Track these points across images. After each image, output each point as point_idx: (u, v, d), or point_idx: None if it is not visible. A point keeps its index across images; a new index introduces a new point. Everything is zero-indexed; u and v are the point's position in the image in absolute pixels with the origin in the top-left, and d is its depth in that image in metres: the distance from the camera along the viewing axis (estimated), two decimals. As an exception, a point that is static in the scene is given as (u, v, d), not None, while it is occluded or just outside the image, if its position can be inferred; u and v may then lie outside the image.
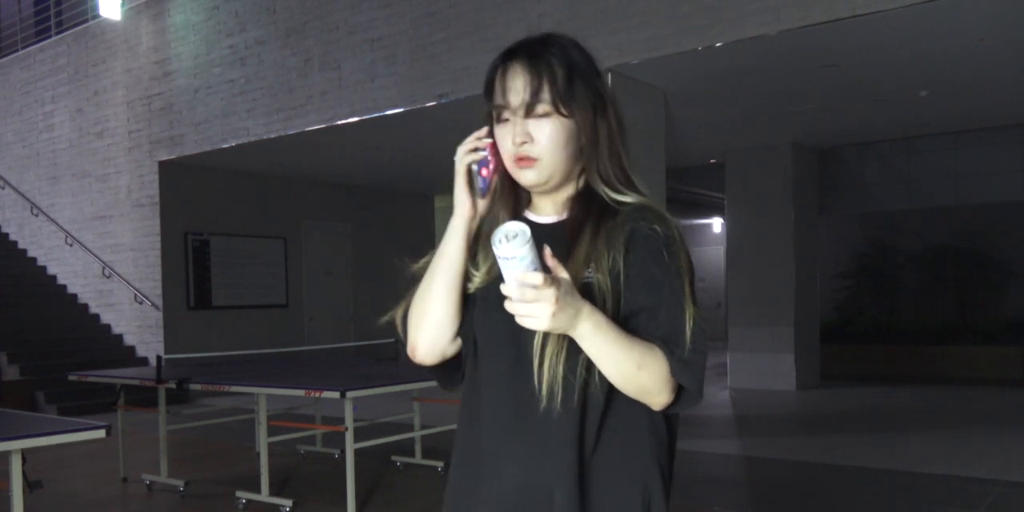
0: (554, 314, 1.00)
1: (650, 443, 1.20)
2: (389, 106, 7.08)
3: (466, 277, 1.24)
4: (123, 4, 9.63)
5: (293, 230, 10.56)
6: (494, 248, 1.00)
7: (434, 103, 6.78)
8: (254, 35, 8.17)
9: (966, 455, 5.56)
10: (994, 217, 10.76)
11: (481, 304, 1.23)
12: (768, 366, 9.07)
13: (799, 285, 8.98)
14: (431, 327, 1.24)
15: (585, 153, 1.21)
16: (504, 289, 1.01)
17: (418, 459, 5.47)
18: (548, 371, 1.12)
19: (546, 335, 1.11)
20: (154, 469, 5.21)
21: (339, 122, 7.46)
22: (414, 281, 1.27)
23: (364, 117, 7.26)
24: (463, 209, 1.21)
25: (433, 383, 4.81)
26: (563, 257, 1.11)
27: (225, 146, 8.47)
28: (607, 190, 1.21)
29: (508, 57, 1.21)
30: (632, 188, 1.24)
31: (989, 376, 9.72)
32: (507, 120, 1.19)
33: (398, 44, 6.98)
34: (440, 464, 5.30)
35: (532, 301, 0.99)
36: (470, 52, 6.50)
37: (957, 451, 5.71)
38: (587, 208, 1.20)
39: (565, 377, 1.12)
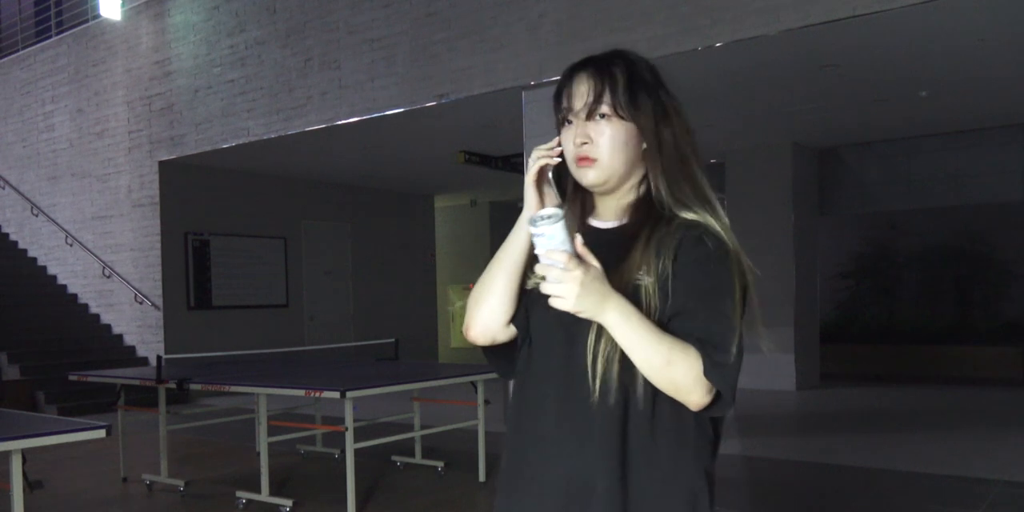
0: (579, 295, 1.09)
1: (699, 449, 1.25)
2: (389, 106, 7.08)
3: (526, 272, 1.32)
4: (123, 4, 9.63)
5: (293, 230, 10.56)
6: (528, 227, 1.10)
7: (434, 103, 6.78)
8: (254, 35, 8.17)
9: (966, 455, 5.56)
10: (994, 217, 10.76)
11: (537, 301, 1.27)
12: (768, 366, 9.06)
13: (799, 285, 8.98)
14: (487, 310, 1.33)
15: (649, 158, 1.28)
16: (537, 268, 1.11)
17: (418, 459, 5.46)
18: (601, 366, 1.20)
19: (599, 332, 1.19)
20: (154, 469, 5.21)
21: (339, 122, 7.46)
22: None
23: (364, 117, 7.26)
24: (533, 206, 1.27)
25: (433, 383, 4.84)
26: (619, 261, 1.21)
27: (225, 146, 8.47)
28: (669, 198, 1.27)
29: (576, 67, 1.30)
30: (702, 203, 1.29)
31: (989, 376, 9.71)
32: (571, 123, 1.28)
33: (398, 44, 6.98)
34: (440, 464, 5.29)
35: (558, 281, 1.09)
36: (470, 52, 6.50)
37: (957, 451, 5.71)
38: (645, 215, 1.27)
39: (615, 373, 1.20)
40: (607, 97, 1.25)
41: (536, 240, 1.09)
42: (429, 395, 5.79)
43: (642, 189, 1.31)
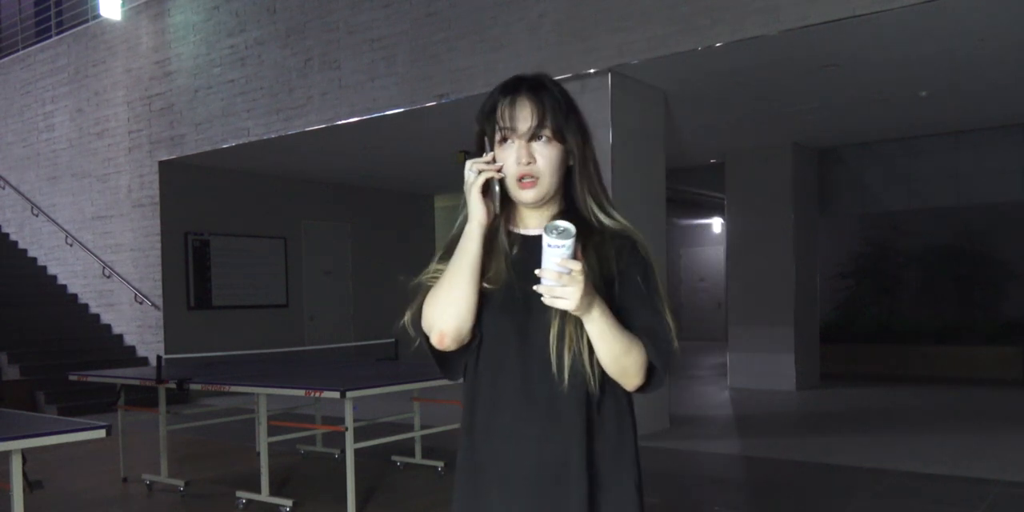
0: (581, 297, 1.24)
1: (632, 423, 1.45)
2: (389, 106, 7.08)
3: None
4: (123, 4, 9.63)
5: (293, 230, 10.57)
6: (547, 236, 1.23)
7: (434, 103, 6.78)
8: (254, 35, 8.17)
9: (966, 455, 5.56)
10: (994, 217, 10.76)
11: (488, 302, 1.40)
12: (768, 366, 9.07)
13: (799, 285, 8.98)
14: (459, 317, 1.38)
15: (577, 175, 1.43)
16: (542, 272, 1.24)
17: (418, 459, 5.47)
18: (568, 358, 1.34)
19: (562, 325, 1.34)
20: (154, 469, 5.21)
21: (339, 122, 7.46)
22: (419, 289, 1.44)
23: (364, 117, 7.27)
24: (481, 216, 1.37)
25: (433, 383, 4.82)
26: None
27: (225, 146, 8.47)
28: (595, 208, 1.43)
29: (512, 90, 1.40)
30: (612, 208, 1.46)
31: (989, 376, 9.72)
32: (509, 143, 1.39)
33: (398, 44, 6.98)
34: (440, 464, 5.30)
35: (567, 284, 1.23)
36: (470, 52, 6.50)
37: (957, 451, 5.71)
38: (574, 223, 1.34)
39: (576, 363, 1.35)
40: (548, 121, 1.37)
41: (552, 250, 1.23)
42: (429, 395, 5.78)
43: (563, 202, 1.45)
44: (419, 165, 9.87)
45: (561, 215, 1.42)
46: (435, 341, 1.40)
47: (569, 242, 1.23)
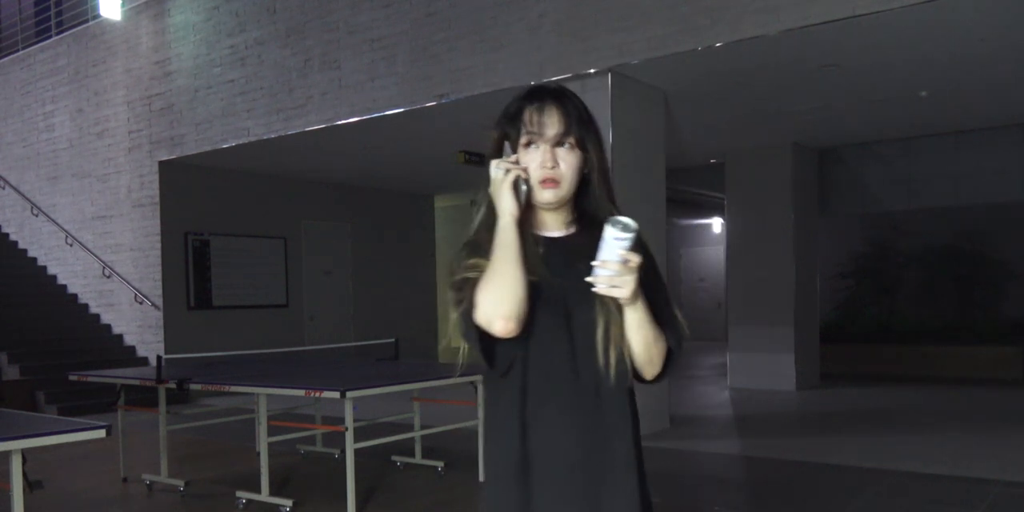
0: (634, 287, 1.35)
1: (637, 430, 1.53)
2: (389, 106, 7.08)
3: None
4: (123, 4, 9.63)
5: (293, 230, 10.57)
6: (612, 228, 1.34)
7: (434, 103, 6.78)
8: (254, 35, 8.17)
9: (966, 455, 5.56)
10: (994, 217, 10.76)
11: (537, 295, 1.45)
12: (768, 366, 9.06)
13: (799, 285, 8.98)
14: (521, 302, 1.41)
15: (595, 182, 1.52)
16: (603, 263, 1.34)
17: (418, 459, 5.47)
18: (613, 353, 1.43)
19: (607, 320, 1.43)
20: (154, 469, 5.21)
21: (339, 122, 7.46)
22: (464, 284, 1.45)
23: (364, 117, 7.26)
24: (514, 209, 1.43)
25: (433, 383, 4.82)
26: (584, 263, 1.39)
27: (225, 146, 8.47)
28: (607, 212, 1.49)
29: (539, 98, 1.49)
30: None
31: (989, 376, 9.71)
32: (534, 147, 1.47)
33: (398, 44, 6.98)
34: (440, 464, 5.30)
35: (625, 274, 1.34)
36: (470, 52, 6.50)
37: (957, 451, 5.71)
38: (592, 226, 1.47)
39: (620, 356, 1.44)
40: (573, 129, 1.47)
41: (616, 242, 1.34)
42: (429, 395, 5.79)
43: (572, 205, 1.54)
44: (419, 165, 9.87)
45: (579, 218, 1.53)
46: (501, 328, 1.40)
47: (631, 235, 1.34)
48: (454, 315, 1.47)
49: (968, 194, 9.20)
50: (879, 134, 8.91)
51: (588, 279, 1.37)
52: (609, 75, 5.88)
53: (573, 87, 5.91)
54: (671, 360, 1.51)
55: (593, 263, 1.35)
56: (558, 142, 1.46)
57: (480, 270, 1.43)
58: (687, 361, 12.43)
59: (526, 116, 1.47)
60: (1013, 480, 4.75)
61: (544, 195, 1.48)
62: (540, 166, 1.46)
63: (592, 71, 5.90)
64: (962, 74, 6.33)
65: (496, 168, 1.45)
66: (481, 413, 4.99)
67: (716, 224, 15.93)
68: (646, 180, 6.37)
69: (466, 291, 1.44)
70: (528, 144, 1.47)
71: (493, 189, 1.45)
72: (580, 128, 1.47)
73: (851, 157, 9.73)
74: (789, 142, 8.94)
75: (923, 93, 6.88)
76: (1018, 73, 6.34)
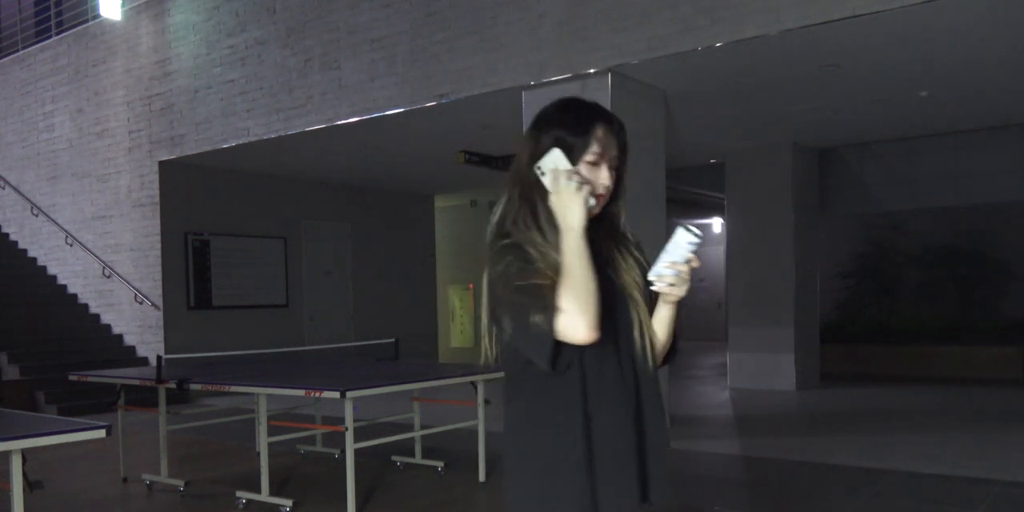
0: (688, 286, 1.58)
1: None
2: (389, 106, 7.08)
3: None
4: (123, 4, 9.63)
5: (293, 230, 10.57)
6: (687, 234, 1.52)
7: (434, 103, 6.78)
8: (254, 35, 8.17)
9: (966, 455, 5.56)
10: (994, 217, 10.76)
11: None
12: (768, 366, 9.07)
13: (799, 285, 8.98)
14: (597, 312, 1.50)
15: (621, 196, 1.69)
16: (672, 264, 1.54)
17: (418, 459, 5.47)
18: (650, 344, 1.61)
19: (646, 317, 1.61)
20: (154, 469, 5.21)
21: (339, 122, 7.46)
22: (540, 290, 1.50)
23: (364, 117, 7.26)
24: (584, 221, 1.53)
25: (433, 383, 4.81)
26: (614, 260, 1.63)
27: (225, 146, 8.47)
28: (624, 221, 1.71)
29: (609, 120, 1.63)
30: None
31: (989, 376, 9.71)
32: (595, 164, 1.60)
33: (398, 44, 6.98)
34: (440, 464, 5.30)
35: (684, 275, 1.55)
36: (470, 52, 6.50)
37: (957, 451, 5.71)
38: (614, 232, 1.68)
39: (658, 349, 1.64)
40: (623, 156, 1.64)
41: (688, 246, 1.53)
42: (429, 395, 5.79)
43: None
44: (419, 165, 9.87)
45: (602, 224, 1.68)
46: (585, 337, 1.47)
47: (699, 242, 1.53)
48: (538, 317, 1.48)
49: (968, 194, 9.21)
50: (879, 134, 8.91)
51: (651, 277, 1.56)
52: (609, 75, 5.88)
53: (573, 87, 5.97)
54: (676, 352, 1.71)
55: (660, 264, 1.54)
56: (611, 164, 1.61)
57: (547, 277, 1.50)
58: (687, 361, 12.43)
59: (600, 134, 1.59)
60: (1013, 480, 4.75)
61: (592, 209, 1.61)
62: (601, 184, 1.60)
63: (592, 71, 5.90)
64: (962, 74, 6.33)
65: (570, 181, 1.54)
66: (481, 413, 4.99)
67: (716, 224, 15.93)
68: (646, 180, 6.37)
69: (543, 297, 1.48)
70: (595, 162, 1.59)
71: (563, 198, 1.53)
72: (624, 155, 1.65)
73: (851, 157, 9.73)
74: (789, 142, 8.94)
75: (923, 93, 6.88)
76: (1018, 73, 6.34)
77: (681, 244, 1.52)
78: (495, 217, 1.63)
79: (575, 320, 1.46)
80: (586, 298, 1.48)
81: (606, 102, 5.85)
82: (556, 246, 1.52)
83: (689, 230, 1.52)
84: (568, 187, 1.53)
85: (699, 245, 1.52)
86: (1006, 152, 8.84)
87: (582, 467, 1.53)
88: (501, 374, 1.70)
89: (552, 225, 1.55)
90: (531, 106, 6.24)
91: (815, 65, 5.96)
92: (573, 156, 1.57)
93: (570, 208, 1.52)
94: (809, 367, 9.26)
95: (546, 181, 1.56)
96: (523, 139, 1.64)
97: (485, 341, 1.64)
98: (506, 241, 1.55)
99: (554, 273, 1.49)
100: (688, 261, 1.54)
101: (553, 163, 1.55)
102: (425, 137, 8.14)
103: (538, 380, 1.55)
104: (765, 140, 8.80)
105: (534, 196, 1.58)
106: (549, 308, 1.47)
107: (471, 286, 13.17)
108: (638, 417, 1.58)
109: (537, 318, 1.47)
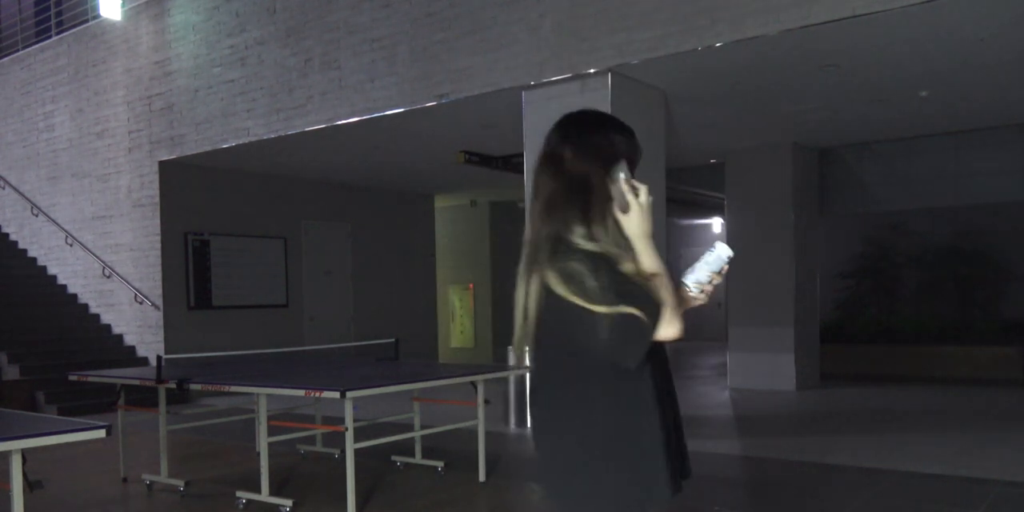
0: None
1: None
2: (389, 106, 7.08)
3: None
4: (123, 4, 9.63)
5: (293, 230, 10.57)
6: (726, 249, 1.67)
7: (434, 103, 6.78)
8: (254, 35, 8.17)
9: (966, 455, 5.56)
10: (994, 217, 10.76)
11: None
12: (768, 366, 9.06)
13: (799, 285, 8.98)
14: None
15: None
16: (710, 274, 1.69)
17: (418, 459, 5.47)
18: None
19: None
20: (154, 469, 5.21)
21: (339, 122, 7.46)
22: (647, 293, 1.60)
23: (364, 117, 7.26)
24: (649, 223, 1.69)
25: (433, 383, 4.82)
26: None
27: (225, 146, 8.47)
28: None
29: (631, 131, 1.79)
30: None
31: (989, 376, 9.71)
32: (625, 175, 1.71)
33: (398, 44, 6.98)
34: (440, 464, 5.30)
35: (715, 284, 1.72)
36: (470, 52, 6.50)
37: (957, 451, 5.71)
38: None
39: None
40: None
41: (718, 260, 1.67)
42: (429, 395, 5.79)
43: None
44: (419, 165, 9.87)
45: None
46: (680, 330, 1.63)
47: (730, 256, 1.67)
48: (647, 319, 1.58)
49: (968, 194, 9.21)
50: (879, 134, 8.91)
51: (691, 284, 1.68)
52: (609, 75, 5.88)
53: (573, 87, 5.97)
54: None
55: (699, 273, 1.69)
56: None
57: (644, 280, 1.62)
58: (687, 361, 12.43)
59: (639, 156, 1.77)
60: (1013, 480, 4.75)
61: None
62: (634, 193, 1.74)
63: (592, 71, 5.90)
64: (962, 74, 6.32)
65: (647, 195, 1.68)
66: (481, 413, 4.99)
67: (716, 224, 15.93)
68: (646, 180, 6.34)
69: (649, 299, 1.59)
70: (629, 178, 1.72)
71: (644, 209, 1.67)
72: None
73: (851, 157, 9.73)
74: (789, 142, 8.94)
75: (923, 93, 6.88)
76: (1018, 73, 6.34)
77: (722, 257, 1.66)
78: (547, 214, 1.67)
79: (675, 318, 1.62)
80: (673, 298, 1.64)
81: (606, 102, 5.85)
82: (631, 251, 1.64)
83: (725, 245, 1.68)
84: (644, 199, 1.67)
85: (727, 261, 1.66)
86: (1006, 152, 8.84)
87: (670, 447, 1.79)
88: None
89: (619, 229, 1.66)
90: (531, 106, 6.24)
91: (815, 65, 5.96)
92: (632, 164, 1.73)
93: (646, 217, 1.67)
94: (809, 367, 9.26)
95: (616, 188, 1.65)
96: (584, 140, 1.71)
97: (518, 334, 1.72)
98: (590, 247, 1.62)
99: (643, 277, 1.62)
100: (722, 273, 1.70)
101: (623, 173, 1.66)
102: (425, 137, 8.14)
103: (612, 377, 1.67)
104: (765, 140, 8.80)
105: (605, 201, 1.66)
106: (654, 308, 1.59)
107: (471, 286, 13.17)
108: (673, 402, 1.83)
109: (645, 318, 1.58)
